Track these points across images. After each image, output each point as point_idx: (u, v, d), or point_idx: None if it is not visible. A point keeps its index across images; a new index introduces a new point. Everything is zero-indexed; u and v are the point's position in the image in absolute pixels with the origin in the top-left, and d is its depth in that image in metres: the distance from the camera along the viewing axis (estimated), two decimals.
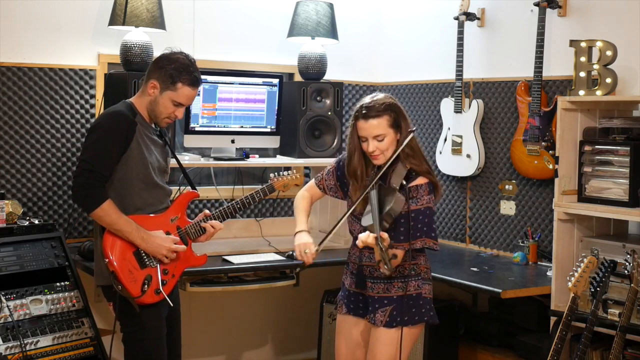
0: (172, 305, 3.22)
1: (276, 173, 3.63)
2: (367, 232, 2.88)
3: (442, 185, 4.76)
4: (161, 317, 3.22)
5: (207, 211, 3.39)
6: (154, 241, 3.14)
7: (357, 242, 2.92)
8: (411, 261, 3.09)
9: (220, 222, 3.38)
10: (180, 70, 3.16)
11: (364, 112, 3.00)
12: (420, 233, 3.03)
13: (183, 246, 3.23)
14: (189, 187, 3.45)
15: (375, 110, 2.99)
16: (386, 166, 3.03)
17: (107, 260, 3.08)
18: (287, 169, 4.91)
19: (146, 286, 3.12)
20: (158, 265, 3.17)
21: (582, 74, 3.62)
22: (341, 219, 3.07)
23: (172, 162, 3.49)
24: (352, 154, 3.11)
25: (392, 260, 2.83)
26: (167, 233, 3.23)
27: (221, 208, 3.40)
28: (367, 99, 3.06)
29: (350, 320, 3.25)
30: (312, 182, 3.35)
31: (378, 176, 3.01)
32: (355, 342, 3.23)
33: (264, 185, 3.56)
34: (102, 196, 3.06)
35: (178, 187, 3.99)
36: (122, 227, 3.08)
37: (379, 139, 3.01)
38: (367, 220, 2.96)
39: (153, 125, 3.27)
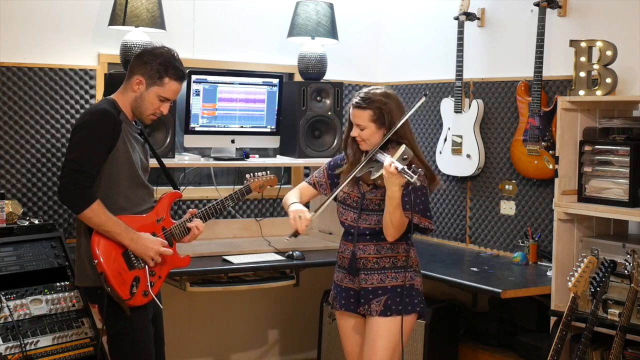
0: (161, 307, 3.21)
1: (251, 174, 3.57)
2: (390, 163, 2.94)
3: (442, 185, 4.78)
4: (148, 318, 3.20)
5: (193, 209, 3.37)
6: (143, 243, 3.11)
7: (385, 171, 2.94)
8: (411, 234, 3.17)
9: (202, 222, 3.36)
10: (166, 65, 3.13)
11: (354, 100, 3.20)
12: (417, 209, 3.11)
13: (170, 250, 3.20)
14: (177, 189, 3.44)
15: (362, 102, 3.16)
16: (387, 137, 3.13)
17: (96, 261, 3.03)
18: (287, 169, 4.93)
19: (134, 288, 3.09)
20: (146, 267, 3.14)
21: (582, 74, 3.62)
22: (341, 187, 3.15)
23: (153, 162, 3.43)
24: (346, 134, 3.28)
25: (418, 173, 2.88)
26: (153, 234, 3.21)
27: (202, 209, 3.37)
28: (364, 89, 3.23)
29: (350, 317, 3.29)
30: (303, 182, 3.44)
31: (380, 144, 3.12)
32: (362, 337, 3.27)
33: (242, 187, 3.52)
34: (91, 197, 3.00)
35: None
36: (112, 228, 3.04)
37: (360, 128, 3.17)
38: (376, 173, 3.05)
39: (134, 123, 3.24)
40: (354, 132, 3.19)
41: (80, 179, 2.98)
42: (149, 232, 3.18)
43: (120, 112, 3.13)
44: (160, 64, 3.12)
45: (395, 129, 3.10)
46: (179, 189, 3.42)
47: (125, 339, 3.14)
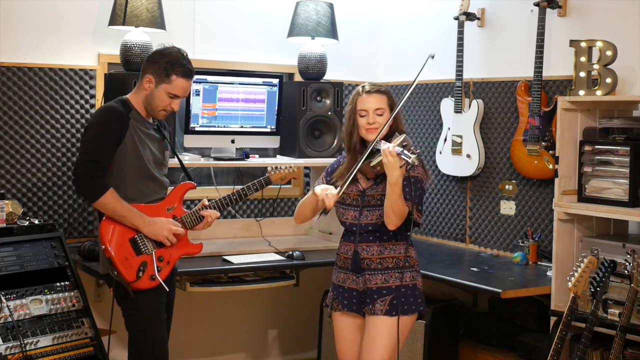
0: (167, 289, 3.29)
1: (274, 166, 3.67)
2: (388, 146, 2.99)
3: (442, 185, 4.78)
4: (159, 301, 3.30)
5: (205, 200, 3.46)
6: (157, 223, 3.25)
7: (384, 155, 2.98)
8: (410, 230, 3.19)
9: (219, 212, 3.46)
10: (173, 62, 3.26)
11: (367, 89, 3.23)
12: (413, 201, 3.14)
13: (182, 230, 3.32)
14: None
15: (378, 88, 3.24)
16: (390, 119, 3.17)
17: (103, 247, 3.19)
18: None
19: (141, 272, 3.21)
20: (153, 253, 3.25)
21: (582, 74, 3.62)
22: (356, 166, 3.14)
23: (174, 162, 3.58)
24: (349, 131, 3.26)
25: (416, 154, 2.96)
26: None
27: (218, 199, 3.47)
28: (367, 83, 3.29)
29: (347, 317, 3.28)
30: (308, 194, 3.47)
31: (383, 127, 3.15)
32: (359, 339, 3.27)
33: (261, 178, 3.60)
34: (105, 185, 3.17)
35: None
36: (126, 213, 3.20)
37: (378, 112, 3.19)
38: (375, 160, 3.09)
39: (151, 120, 3.37)
40: (371, 119, 3.17)
41: (94, 169, 3.16)
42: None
43: (132, 110, 3.29)
44: (167, 62, 3.27)
45: (399, 107, 3.16)
46: (193, 181, 3.50)
47: (133, 319, 3.28)
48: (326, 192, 3.14)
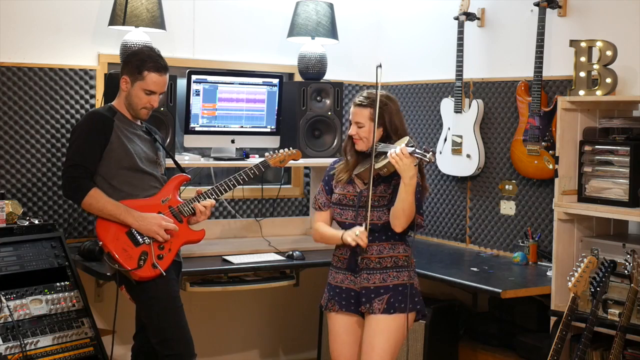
0: (164, 274, 3.29)
1: (272, 151, 3.73)
2: (396, 149, 3.02)
3: (442, 185, 4.79)
4: (173, 288, 3.36)
5: (199, 189, 3.50)
6: (145, 219, 3.28)
7: (397, 157, 3.00)
8: (411, 233, 3.25)
9: (216, 198, 3.49)
10: (144, 59, 3.35)
11: (356, 99, 3.29)
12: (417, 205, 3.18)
13: (173, 225, 3.34)
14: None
15: (362, 100, 3.25)
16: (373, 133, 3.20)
17: (101, 243, 3.25)
18: (287, 169, 4.92)
19: (142, 262, 3.26)
20: (152, 242, 3.29)
21: (582, 74, 3.62)
22: (369, 193, 3.14)
23: (172, 163, 3.63)
24: (347, 136, 3.34)
25: (430, 151, 3.00)
26: (159, 213, 3.35)
27: (215, 185, 3.51)
28: (367, 90, 3.34)
29: (344, 317, 3.29)
30: (314, 212, 3.48)
31: (373, 144, 3.17)
32: (353, 339, 3.28)
33: (259, 162, 3.66)
34: (87, 186, 3.24)
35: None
36: (112, 210, 3.25)
37: (359, 125, 3.24)
38: (379, 163, 3.13)
39: (138, 123, 3.45)
40: (352, 131, 3.26)
41: (74, 172, 3.26)
42: (154, 212, 3.34)
43: (116, 113, 3.38)
44: (138, 59, 3.36)
45: (375, 126, 3.17)
46: (185, 173, 3.55)
47: (153, 309, 3.32)
48: (355, 232, 3.15)
